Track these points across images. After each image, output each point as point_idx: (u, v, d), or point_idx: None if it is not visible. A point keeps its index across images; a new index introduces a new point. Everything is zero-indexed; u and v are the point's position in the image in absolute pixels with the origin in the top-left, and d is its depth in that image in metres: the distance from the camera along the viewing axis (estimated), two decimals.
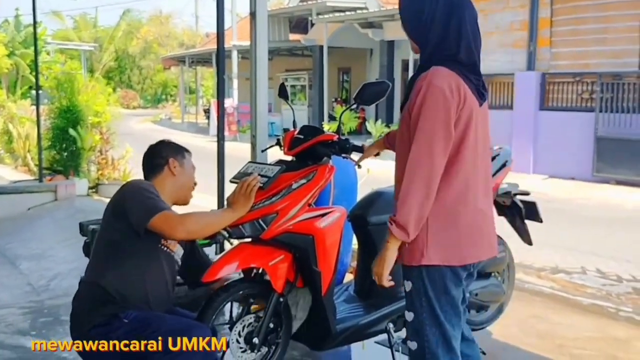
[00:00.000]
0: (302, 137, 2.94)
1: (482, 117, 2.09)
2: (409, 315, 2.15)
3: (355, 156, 2.97)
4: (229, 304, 2.79)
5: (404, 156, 2.05)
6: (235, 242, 3.05)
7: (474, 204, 2.07)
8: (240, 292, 2.76)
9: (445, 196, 2.01)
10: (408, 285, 2.12)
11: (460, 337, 2.20)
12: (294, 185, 2.73)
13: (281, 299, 2.75)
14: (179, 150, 2.62)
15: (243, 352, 2.72)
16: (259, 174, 2.68)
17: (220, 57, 4.40)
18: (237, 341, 2.72)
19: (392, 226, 1.98)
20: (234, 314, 2.82)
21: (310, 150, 2.89)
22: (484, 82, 2.11)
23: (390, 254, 2.02)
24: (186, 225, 2.33)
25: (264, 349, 2.79)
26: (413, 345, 2.16)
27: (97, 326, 2.29)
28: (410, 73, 16.09)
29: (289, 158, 2.99)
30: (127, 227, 2.32)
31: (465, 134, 2.00)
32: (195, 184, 2.66)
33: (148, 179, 2.53)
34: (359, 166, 2.97)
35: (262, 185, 2.63)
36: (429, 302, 2.09)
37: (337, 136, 2.90)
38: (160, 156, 2.56)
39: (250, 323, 2.75)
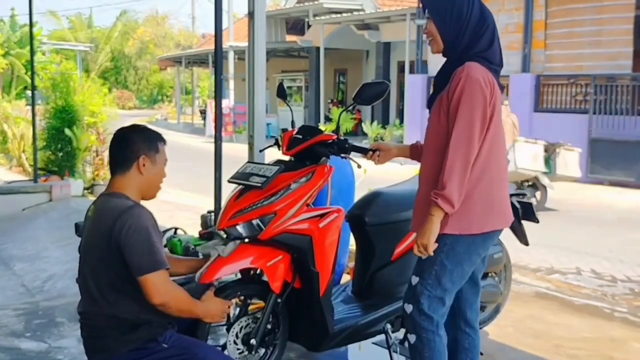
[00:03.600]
0: (300, 137, 2.92)
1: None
2: (414, 279, 2.37)
3: (354, 156, 2.97)
4: None
5: (434, 139, 2.33)
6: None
7: (497, 178, 2.33)
8: (238, 293, 2.75)
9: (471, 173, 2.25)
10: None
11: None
12: (293, 186, 2.72)
13: (279, 300, 2.74)
14: (153, 142, 2.32)
15: (240, 353, 2.71)
16: (257, 174, 2.68)
17: (218, 57, 4.39)
18: (235, 342, 2.71)
19: (439, 199, 2.21)
20: (232, 315, 2.81)
21: (309, 150, 2.87)
22: None
23: (436, 226, 2.24)
24: (167, 300, 2.17)
25: (262, 350, 2.78)
26: (409, 308, 2.38)
27: (133, 350, 2.21)
28: (406, 74, 16.12)
29: (287, 158, 2.99)
30: (124, 257, 2.17)
31: (491, 122, 2.28)
32: (164, 176, 2.41)
33: (115, 173, 2.32)
34: (359, 165, 2.97)
35: (260, 185, 2.62)
36: (442, 269, 2.31)
37: (335, 136, 2.89)
38: (131, 149, 2.28)
39: (248, 324, 2.75)
